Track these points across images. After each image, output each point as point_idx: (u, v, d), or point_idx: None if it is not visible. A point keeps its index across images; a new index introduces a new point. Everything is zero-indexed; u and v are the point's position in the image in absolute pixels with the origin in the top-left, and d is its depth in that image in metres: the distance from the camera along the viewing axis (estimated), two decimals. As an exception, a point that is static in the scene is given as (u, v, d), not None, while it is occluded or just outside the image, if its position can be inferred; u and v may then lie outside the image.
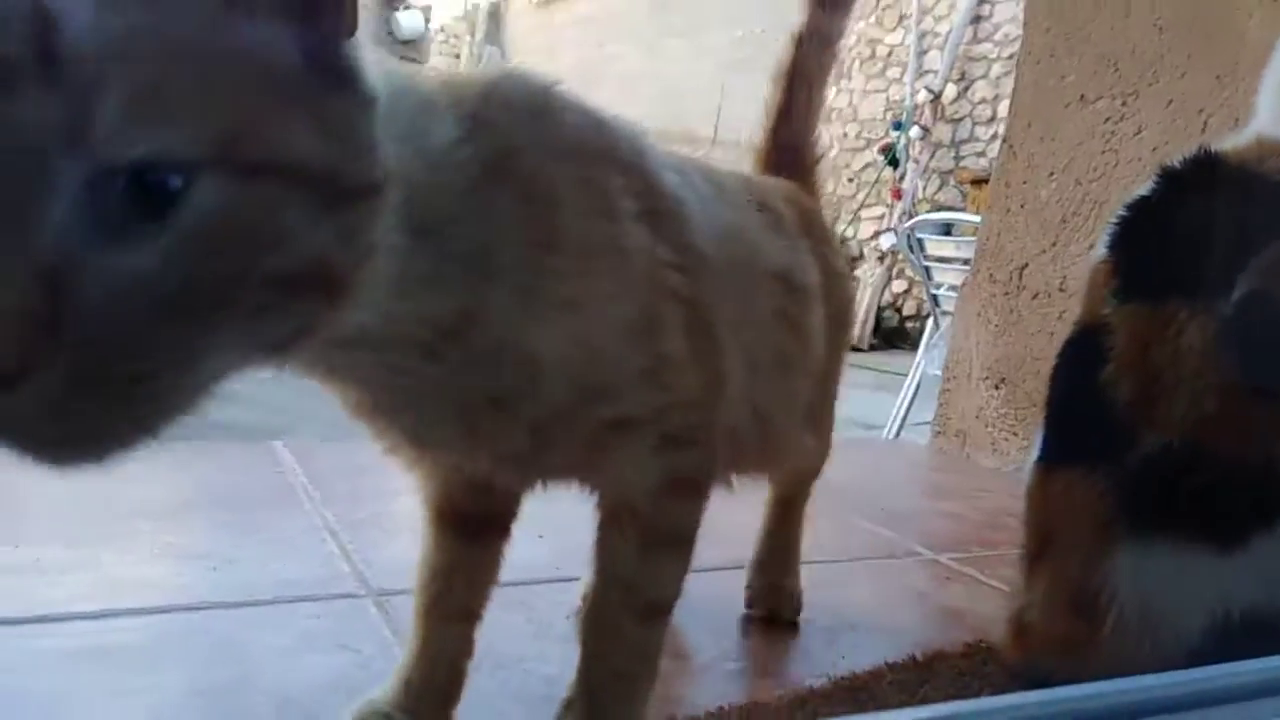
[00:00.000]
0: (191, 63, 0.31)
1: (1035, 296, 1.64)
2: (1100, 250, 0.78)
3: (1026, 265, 1.67)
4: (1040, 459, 0.74)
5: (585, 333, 0.50)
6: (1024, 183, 1.68)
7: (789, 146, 0.89)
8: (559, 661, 0.69)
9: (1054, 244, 1.61)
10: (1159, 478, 0.65)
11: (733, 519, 0.84)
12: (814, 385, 0.76)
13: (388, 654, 0.73)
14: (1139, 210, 0.77)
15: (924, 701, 0.72)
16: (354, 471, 1.21)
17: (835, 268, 0.83)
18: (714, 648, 0.83)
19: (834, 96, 6.81)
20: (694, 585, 0.89)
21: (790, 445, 0.76)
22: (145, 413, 0.32)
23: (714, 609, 0.91)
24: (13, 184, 0.27)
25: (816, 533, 1.15)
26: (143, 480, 1.09)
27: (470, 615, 0.63)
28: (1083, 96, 1.58)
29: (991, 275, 1.73)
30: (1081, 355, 0.74)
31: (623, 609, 0.58)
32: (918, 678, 0.76)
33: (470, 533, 0.62)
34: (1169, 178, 0.77)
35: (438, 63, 13.55)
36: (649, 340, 0.53)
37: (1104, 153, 1.54)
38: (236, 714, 0.63)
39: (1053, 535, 0.71)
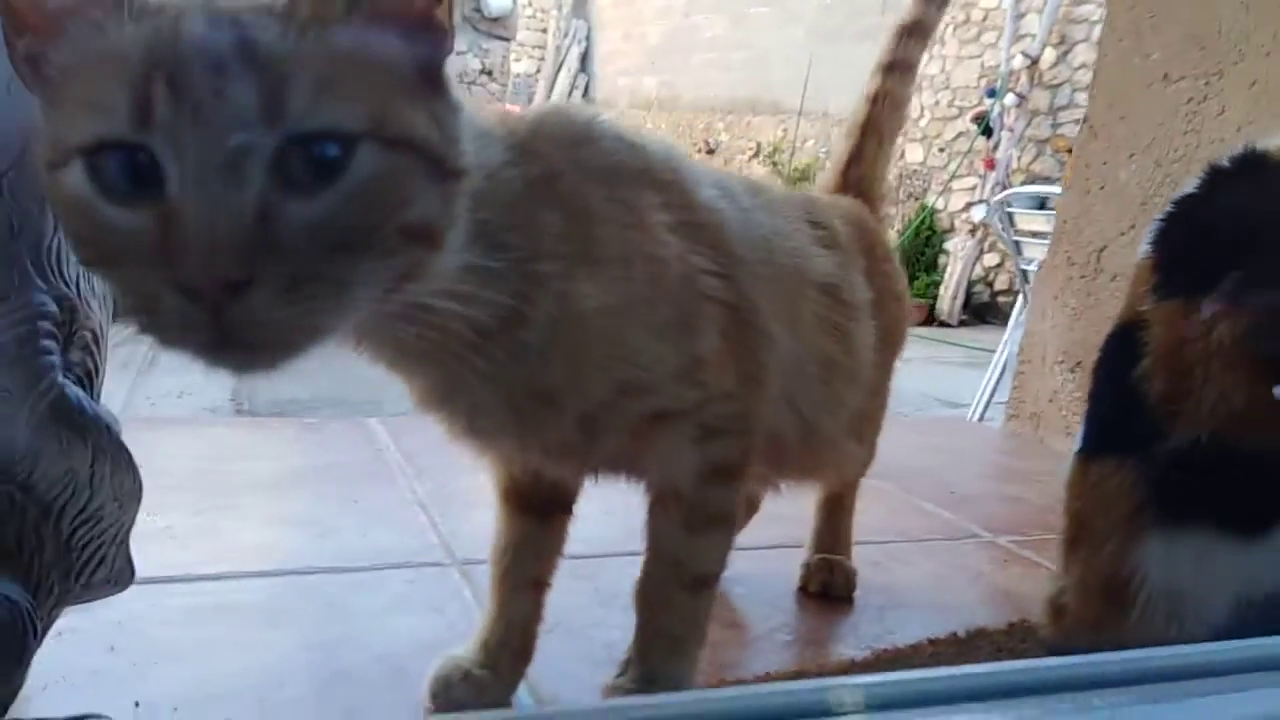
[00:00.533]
0: (348, 64, 0.41)
1: (1114, 279, 1.63)
2: (1144, 247, 0.80)
3: (1105, 247, 1.66)
4: (1079, 450, 0.77)
5: (622, 333, 0.56)
6: (1104, 163, 1.67)
7: (857, 186, 0.94)
8: (622, 628, 0.76)
9: (1133, 226, 1.60)
10: (1187, 471, 0.68)
11: (791, 500, 0.90)
12: (862, 396, 0.81)
13: (469, 617, 0.81)
14: (1182, 207, 0.79)
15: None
16: (442, 447, 1.30)
17: (892, 288, 0.88)
18: (768, 621, 0.89)
19: (926, 64, 6.65)
20: (753, 562, 0.95)
21: (835, 452, 0.81)
22: (319, 320, 0.42)
23: (772, 585, 0.97)
24: (236, 150, 0.38)
25: (880, 513, 1.20)
26: (255, 456, 1.20)
27: (539, 584, 0.70)
28: (1166, 75, 1.56)
29: (1069, 257, 1.72)
30: (1120, 350, 0.76)
31: (671, 581, 0.65)
32: (957, 652, 0.80)
33: (536, 512, 0.69)
34: (1213, 175, 0.78)
35: (525, 38, 13.69)
36: (684, 340, 0.59)
37: (1186, 133, 1.52)
38: (341, 668, 0.72)
39: (1088, 523, 0.74)
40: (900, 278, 0.93)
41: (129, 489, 0.56)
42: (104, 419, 0.54)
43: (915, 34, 0.98)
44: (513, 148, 0.55)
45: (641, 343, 0.57)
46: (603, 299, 0.55)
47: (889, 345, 0.88)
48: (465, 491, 1.15)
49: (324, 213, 0.40)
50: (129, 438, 0.57)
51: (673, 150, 0.66)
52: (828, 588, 0.95)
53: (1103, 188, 1.66)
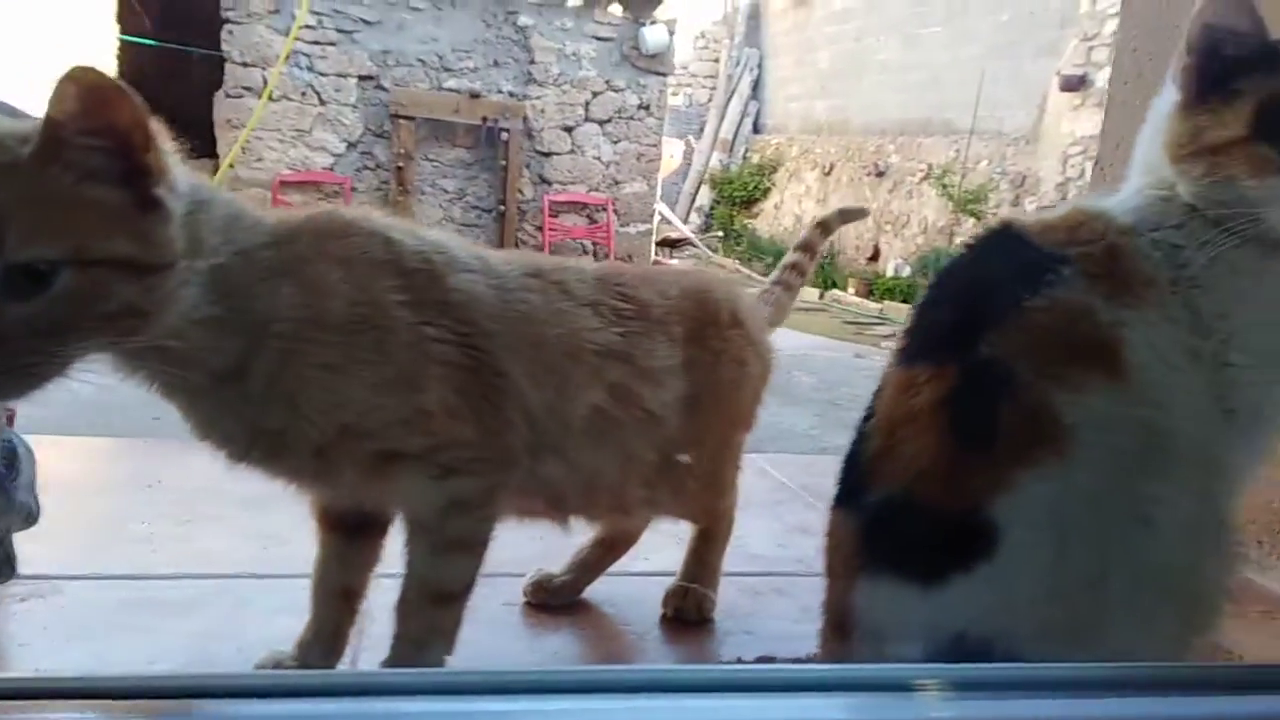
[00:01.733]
0: (58, 207, 0.60)
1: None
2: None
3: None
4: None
5: (339, 387, 0.71)
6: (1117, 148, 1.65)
7: None
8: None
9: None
10: (882, 523, 0.75)
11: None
12: (666, 449, 0.92)
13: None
14: (938, 276, 0.85)
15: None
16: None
17: (733, 357, 0.98)
18: (614, 639, 1.01)
19: None
20: (636, 587, 1.07)
21: (625, 498, 0.93)
22: (38, 373, 0.60)
23: (642, 609, 1.08)
24: None
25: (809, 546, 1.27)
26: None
27: (349, 593, 0.86)
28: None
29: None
30: (868, 411, 0.83)
31: (421, 596, 0.79)
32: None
33: (344, 529, 0.85)
34: (966, 246, 0.84)
35: (697, 68, 13.93)
36: (407, 395, 0.74)
37: (1169, 177, 1.49)
38: (208, 655, 0.91)
39: (829, 564, 0.82)
40: (752, 348, 1.02)
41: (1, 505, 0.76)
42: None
43: None
44: (274, 234, 0.72)
45: (358, 395, 0.72)
46: (322, 358, 0.71)
47: (725, 406, 0.98)
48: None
49: (37, 312, 0.59)
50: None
51: (440, 246, 0.80)
52: (680, 612, 1.05)
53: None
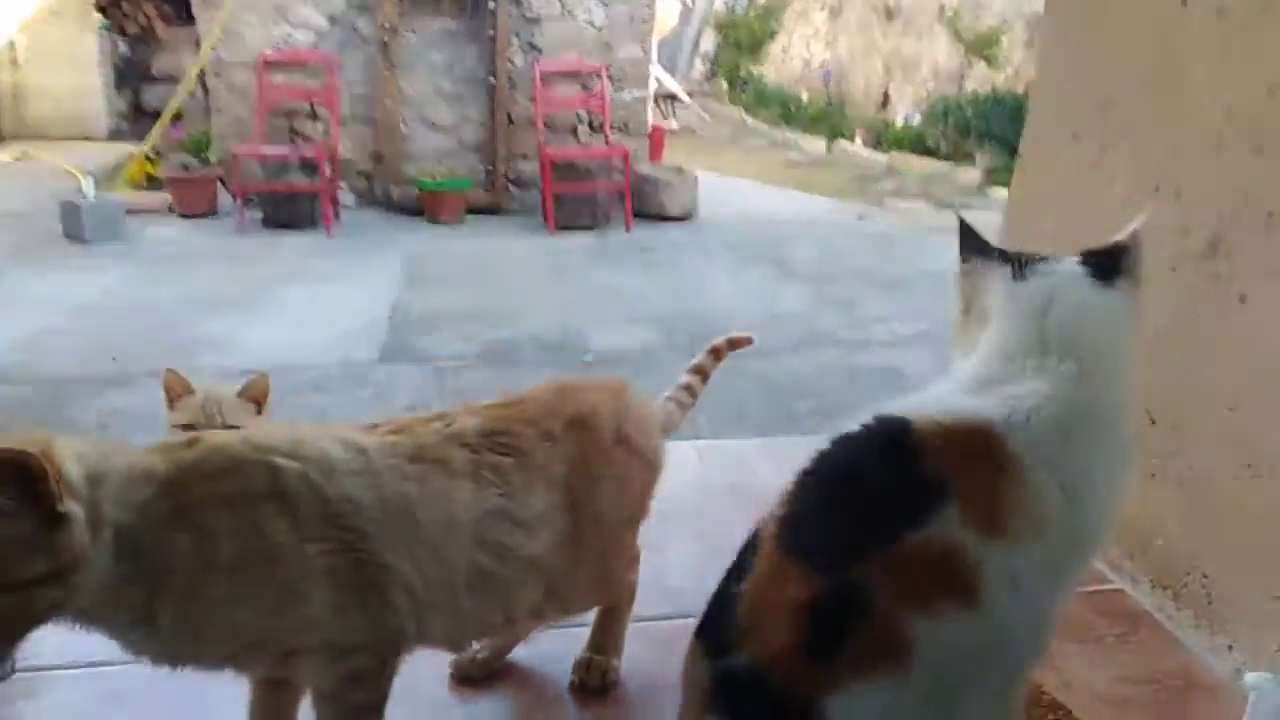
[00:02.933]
0: None
1: (1030, 324, 1.66)
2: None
3: (1027, 291, 1.68)
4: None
5: (235, 614, 0.83)
6: (1030, 208, 1.68)
7: None
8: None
9: (1046, 276, 1.62)
10: (734, 685, 0.85)
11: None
12: (544, 579, 1.03)
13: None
14: (828, 454, 0.88)
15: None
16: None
17: (613, 475, 1.08)
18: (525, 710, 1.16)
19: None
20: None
21: (520, 625, 1.09)
22: None
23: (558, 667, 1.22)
24: None
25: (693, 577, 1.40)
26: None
27: None
28: (1075, 134, 1.54)
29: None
30: (747, 552, 0.91)
31: None
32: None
33: (271, 681, 0.98)
34: (865, 429, 0.87)
35: None
36: (295, 608, 0.85)
37: (1086, 194, 1.52)
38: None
39: (685, 688, 0.93)
40: (633, 460, 1.11)
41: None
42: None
43: None
44: (165, 484, 0.81)
45: (251, 620, 0.84)
46: (216, 595, 0.82)
47: (608, 523, 1.09)
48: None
49: None
50: None
51: (321, 458, 0.89)
52: (584, 683, 1.19)
53: (1032, 233, 1.68)
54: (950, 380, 0.92)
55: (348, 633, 0.88)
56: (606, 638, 1.21)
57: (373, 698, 0.93)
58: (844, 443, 0.89)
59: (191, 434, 0.90)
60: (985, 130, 8.88)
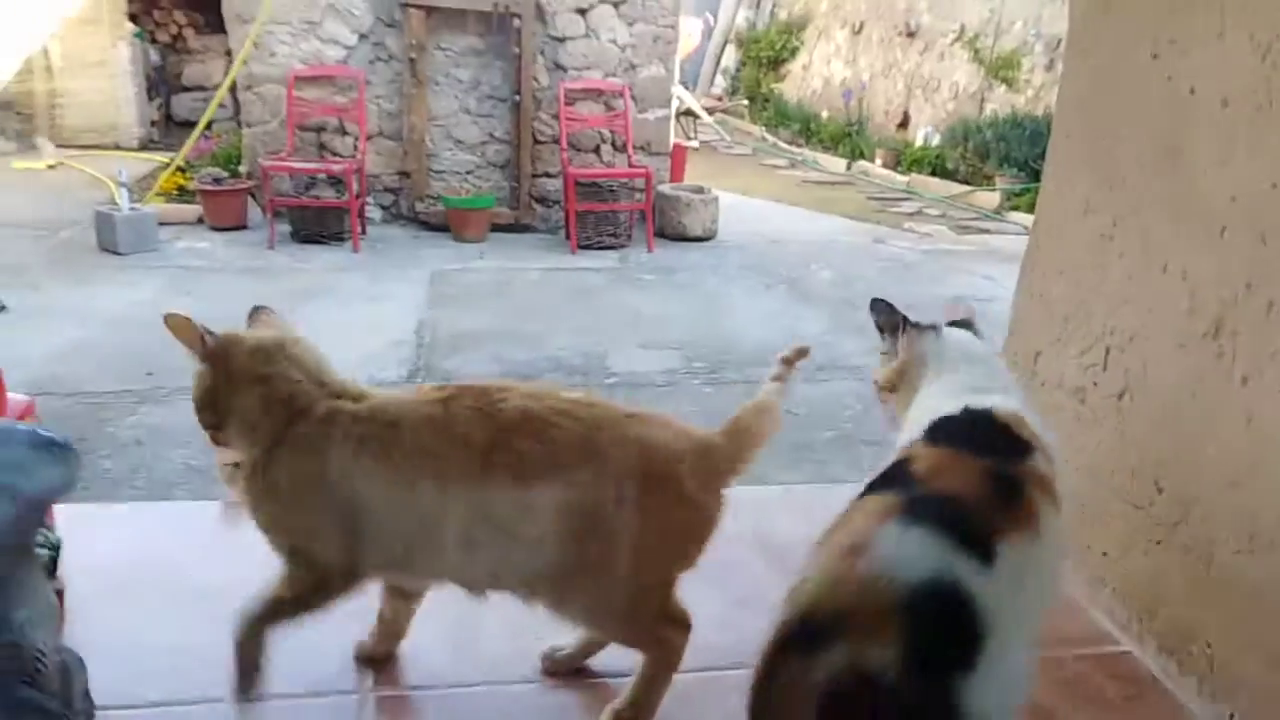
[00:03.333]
0: None
1: (1043, 384, 1.73)
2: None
3: (1040, 353, 1.75)
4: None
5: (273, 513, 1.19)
6: (1042, 274, 1.74)
7: None
8: None
9: (1059, 339, 1.69)
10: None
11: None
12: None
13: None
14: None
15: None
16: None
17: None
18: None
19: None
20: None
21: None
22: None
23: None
24: None
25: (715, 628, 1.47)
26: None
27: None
28: (1087, 207, 1.60)
29: (1016, 353, 1.82)
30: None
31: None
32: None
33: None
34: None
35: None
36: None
37: (1095, 267, 1.58)
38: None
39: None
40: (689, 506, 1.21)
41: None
42: (41, 704, 0.96)
43: None
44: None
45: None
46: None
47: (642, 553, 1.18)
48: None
49: None
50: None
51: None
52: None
53: (1041, 295, 1.74)
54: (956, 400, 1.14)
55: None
56: (639, 692, 1.27)
57: None
58: (951, 419, 1.12)
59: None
60: (1005, 153, 8.92)
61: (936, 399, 1.16)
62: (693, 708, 1.31)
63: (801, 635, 0.95)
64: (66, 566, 1.41)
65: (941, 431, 1.11)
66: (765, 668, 0.98)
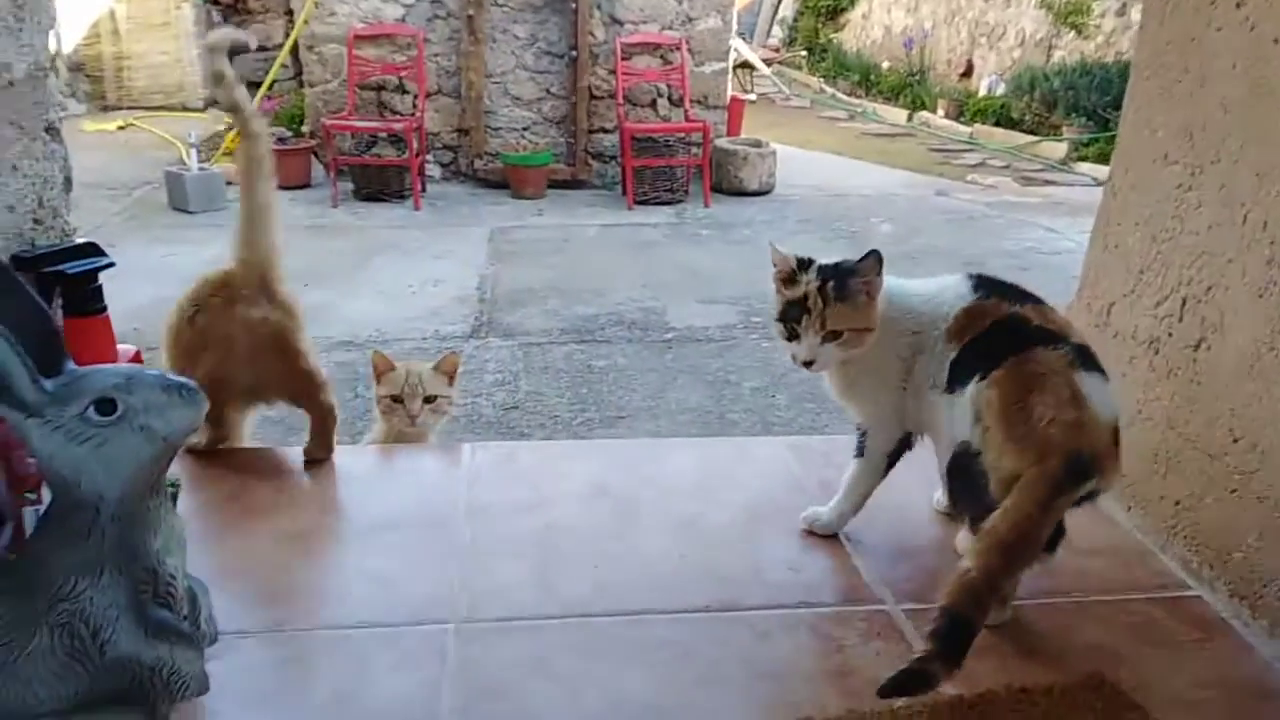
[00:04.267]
0: None
1: (1116, 336, 1.73)
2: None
3: (1113, 304, 1.75)
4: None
5: None
6: (1118, 225, 1.73)
7: None
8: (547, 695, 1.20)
9: (1133, 290, 1.68)
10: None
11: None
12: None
13: (451, 682, 1.28)
14: None
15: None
16: (508, 485, 1.77)
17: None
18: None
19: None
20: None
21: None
22: None
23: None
24: None
25: (785, 571, 1.52)
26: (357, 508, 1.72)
27: None
28: (1166, 155, 1.59)
29: (1089, 305, 1.82)
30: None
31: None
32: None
33: None
34: None
35: None
36: None
37: (1173, 218, 1.57)
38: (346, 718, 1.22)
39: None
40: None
41: (191, 655, 1.06)
42: (174, 625, 1.04)
43: None
44: None
45: None
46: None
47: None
48: (511, 537, 1.60)
49: None
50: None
51: None
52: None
53: (1116, 247, 1.74)
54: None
55: None
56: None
57: None
58: (981, 276, 1.45)
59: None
60: (1073, 102, 8.68)
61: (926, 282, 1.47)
62: (765, 641, 1.37)
63: (1073, 472, 1.21)
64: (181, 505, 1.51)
65: (990, 286, 1.41)
66: (1044, 501, 1.21)
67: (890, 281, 1.43)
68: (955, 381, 1.35)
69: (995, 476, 1.26)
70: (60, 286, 1.47)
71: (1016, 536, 1.20)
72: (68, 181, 1.64)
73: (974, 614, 1.18)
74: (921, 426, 1.48)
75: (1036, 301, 1.38)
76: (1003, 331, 1.34)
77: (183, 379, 1.01)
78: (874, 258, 1.38)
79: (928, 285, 1.46)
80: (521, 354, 4.47)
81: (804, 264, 1.43)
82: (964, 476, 1.33)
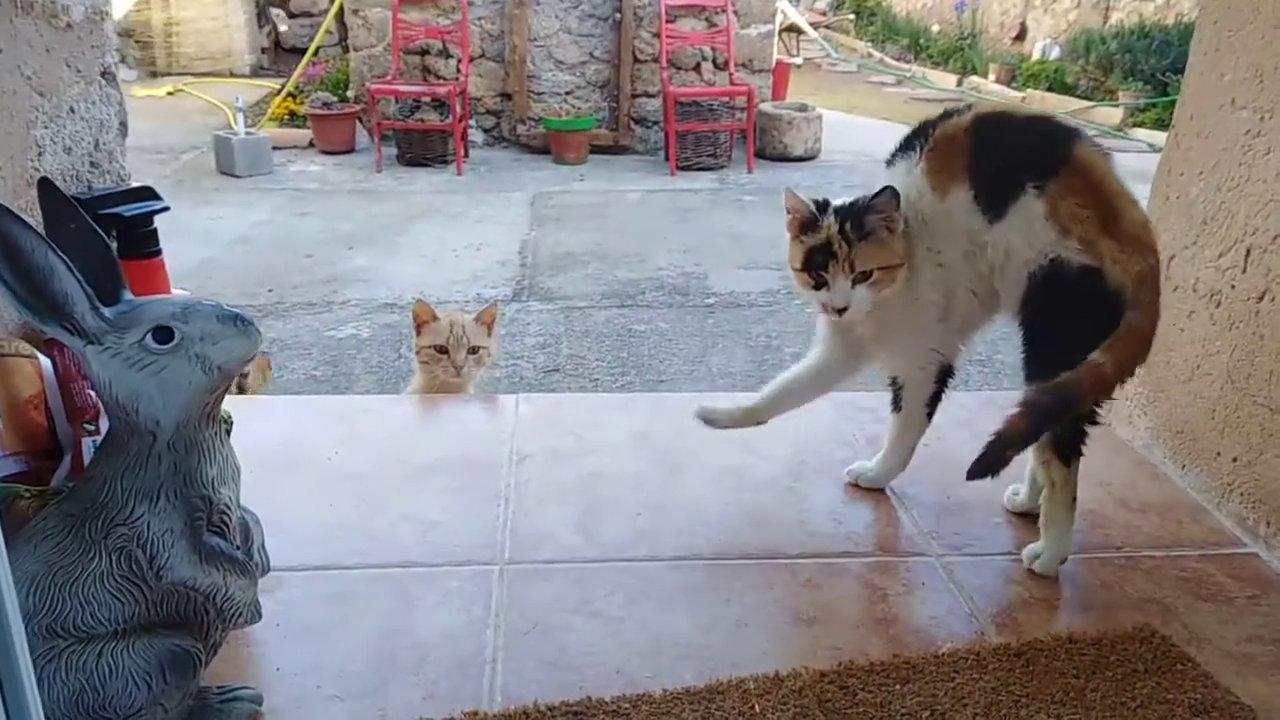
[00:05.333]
0: None
1: (1176, 289, 1.68)
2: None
3: (1174, 257, 1.70)
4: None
5: None
6: (1181, 174, 1.68)
7: None
8: (583, 633, 1.22)
9: (1195, 242, 1.64)
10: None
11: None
12: None
13: (496, 618, 1.29)
14: None
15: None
16: (557, 431, 1.78)
17: None
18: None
19: None
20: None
21: None
22: None
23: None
24: None
25: (830, 521, 1.51)
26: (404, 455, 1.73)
27: None
28: (1233, 100, 1.54)
29: (1147, 258, 1.77)
30: None
31: None
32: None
33: None
34: None
35: None
36: None
37: (1240, 164, 1.52)
38: (391, 651, 1.24)
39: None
40: None
41: (244, 583, 1.08)
42: (229, 552, 1.06)
43: None
44: None
45: None
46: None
47: None
48: (555, 484, 1.61)
49: None
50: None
51: None
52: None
53: (1178, 198, 1.69)
54: None
55: None
56: None
57: None
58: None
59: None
60: (1130, 66, 8.43)
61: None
62: (809, 586, 1.37)
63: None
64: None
65: (913, 140, 1.43)
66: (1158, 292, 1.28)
67: None
68: (994, 208, 1.32)
69: (1124, 280, 1.24)
70: (116, 230, 1.49)
71: (1152, 328, 1.26)
72: (123, 126, 1.66)
73: (1085, 400, 1.25)
74: (969, 320, 1.44)
75: (959, 109, 1.39)
76: (998, 135, 1.33)
77: (238, 310, 1.02)
78: (889, 192, 1.36)
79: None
80: (563, 318, 4.47)
81: (822, 206, 1.41)
82: (1057, 296, 1.28)
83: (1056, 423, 1.26)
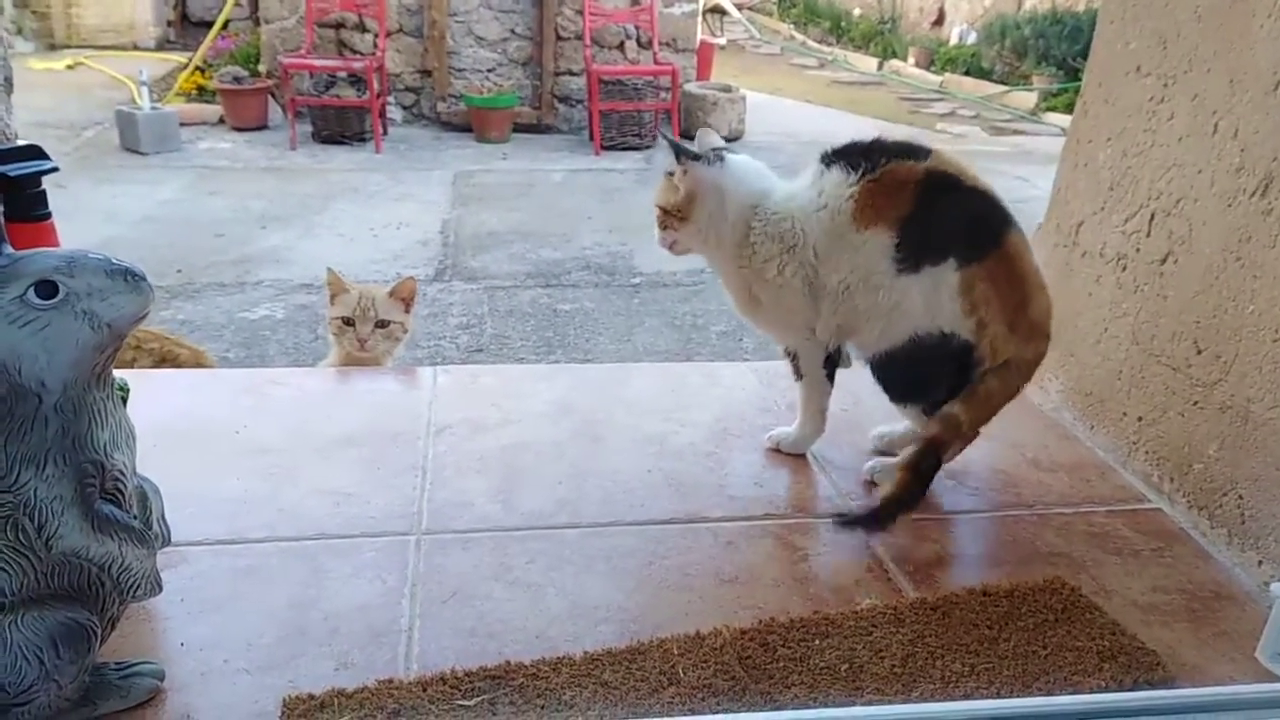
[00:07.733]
0: None
1: (1084, 255, 1.73)
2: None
3: (1082, 223, 1.74)
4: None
5: None
6: (1089, 141, 1.72)
7: None
8: (501, 601, 1.19)
9: (1102, 208, 1.68)
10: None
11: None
12: None
13: (412, 587, 1.26)
14: None
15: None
16: (475, 403, 1.74)
17: None
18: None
19: None
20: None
21: None
22: None
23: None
24: None
25: (752, 485, 1.52)
26: (323, 423, 1.68)
27: None
28: (1138, 68, 1.58)
29: (1058, 225, 1.81)
30: None
31: None
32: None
33: None
34: None
35: None
36: None
37: (1145, 130, 1.56)
38: (302, 624, 1.20)
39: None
40: None
41: (141, 553, 1.02)
42: (124, 520, 1.01)
43: None
44: None
45: None
46: None
47: None
48: (474, 454, 1.58)
49: None
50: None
51: None
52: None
53: (1086, 165, 1.73)
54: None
55: None
56: None
57: None
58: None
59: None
60: (1043, 52, 8.67)
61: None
62: (730, 547, 1.37)
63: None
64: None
65: (856, 154, 1.43)
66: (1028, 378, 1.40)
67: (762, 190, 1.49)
68: (910, 264, 1.35)
69: (991, 361, 1.35)
70: (2, 190, 1.40)
71: (1003, 403, 1.40)
72: (8, 82, 1.57)
73: (949, 449, 1.40)
74: (848, 328, 1.46)
75: (916, 149, 1.41)
76: (942, 198, 1.36)
77: (128, 264, 0.96)
78: (676, 149, 1.50)
79: (790, 186, 1.49)
80: (486, 297, 4.42)
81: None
82: (924, 363, 1.38)
83: (935, 472, 1.39)
